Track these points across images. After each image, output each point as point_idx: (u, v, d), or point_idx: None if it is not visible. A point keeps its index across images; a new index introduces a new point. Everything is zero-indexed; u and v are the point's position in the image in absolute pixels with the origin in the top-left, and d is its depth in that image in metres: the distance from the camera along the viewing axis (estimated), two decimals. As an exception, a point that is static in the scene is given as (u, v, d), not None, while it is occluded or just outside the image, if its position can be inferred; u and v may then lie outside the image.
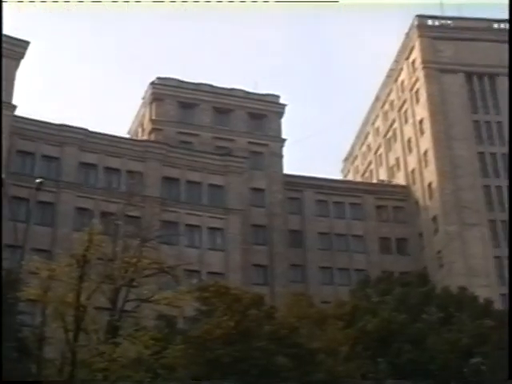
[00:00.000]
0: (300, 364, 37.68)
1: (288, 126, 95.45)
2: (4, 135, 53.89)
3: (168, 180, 65.44)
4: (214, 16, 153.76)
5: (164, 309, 32.84)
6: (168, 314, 36.76)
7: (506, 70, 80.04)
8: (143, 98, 78.89)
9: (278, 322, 40.00)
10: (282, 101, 79.27)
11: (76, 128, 63.47)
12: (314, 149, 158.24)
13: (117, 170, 63.79)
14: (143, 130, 78.20)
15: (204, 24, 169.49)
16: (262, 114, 77.71)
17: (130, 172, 63.06)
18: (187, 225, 63.78)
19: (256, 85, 79.82)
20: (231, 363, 36.36)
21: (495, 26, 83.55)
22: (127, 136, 78.41)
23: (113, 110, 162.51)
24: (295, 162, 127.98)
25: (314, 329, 41.83)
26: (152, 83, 76.43)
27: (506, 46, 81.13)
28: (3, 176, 45.50)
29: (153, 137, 73.42)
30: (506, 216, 73.59)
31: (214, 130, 75.19)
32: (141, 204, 53.74)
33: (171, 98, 75.55)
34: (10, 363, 28.43)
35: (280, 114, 78.64)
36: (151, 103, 76.29)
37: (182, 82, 76.83)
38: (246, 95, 78.35)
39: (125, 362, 28.66)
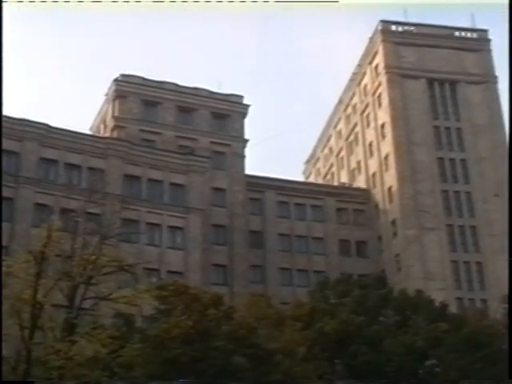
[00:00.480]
0: (257, 364, 37.80)
1: (251, 127, 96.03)
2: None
3: (129, 178, 65.07)
4: (179, 15, 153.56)
5: (122, 307, 32.67)
6: (126, 312, 36.58)
7: (467, 78, 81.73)
8: (106, 95, 78.30)
9: (236, 323, 40.03)
10: (245, 101, 79.47)
11: (37, 123, 62.74)
12: (276, 150, 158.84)
13: (78, 167, 63.23)
14: (105, 126, 77.60)
15: (170, 23, 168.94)
16: (225, 114, 77.72)
17: (91, 169, 62.59)
18: (148, 223, 63.51)
19: (220, 84, 79.93)
20: (189, 363, 36.34)
21: (456, 33, 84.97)
22: (89, 132, 77.71)
23: (77, 106, 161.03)
24: (257, 162, 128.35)
25: (272, 329, 41.98)
26: (115, 80, 75.86)
27: (467, 54, 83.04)
28: None
29: (115, 134, 72.91)
30: (463, 221, 74.95)
31: (176, 128, 74.96)
32: (101, 201, 53.18)
33: (134, 95, 75.14)
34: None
35: (243, 115, 78.73)
36: (114, 100, 75.75)
37: (146, 79, 76.44)
38: (210, 95, 78.28)
39: (81, 360, 28.45)
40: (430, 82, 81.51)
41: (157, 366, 36.33)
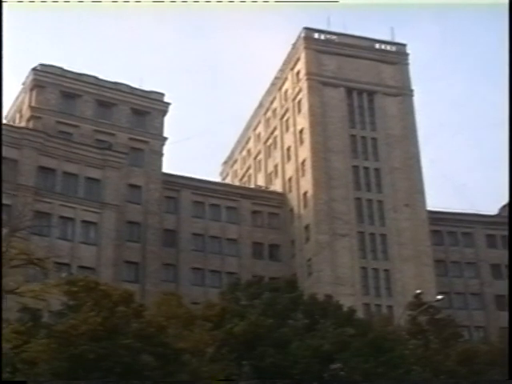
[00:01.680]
0: (165, 363, 37.70)
1: (171, 125, 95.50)
2: None
3: (44, 170, 63.89)
4: (104, 12, 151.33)
5: (29, 301, 32.15)
6: (33, 306, 35.94)
7: (384, 89, 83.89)
8: (23, 84, 76.50)
9: (146, 321, 39.76)
10: (166, 99, 79.16)
11: (-52, 108, 60.72)
12: (195, 150, 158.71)
13: (-10, 156, 61.51)
14: (21, 116, 75.81)
15: (94, 20, 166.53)
16: (145, 111, 77.23)
17: (4, 159, 60.95)
18: (61, 217, 62.50)
19: (141, 81, 79.36)
20: (95, 360, 35.88)
21: (377, 45, 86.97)
22: (4, 121, 75.58)
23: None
24: (175, 161, 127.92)
25: (181, 329, 41.92)
26: (34, 69, 74.23)
27: (385, 66, 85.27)
28: None
29: (31, 124, 71.35)
30: (374, 229, 76.72)
31: (95, 122, 73.99)
32: (13, 192, 52.30)
33: (53, 86, 73.73)
34: None
35: (163, 112, 78.39)
36: (32, 90, 74.09)
37: (65, 70, 75.15)
38: (131, 90, 77.65)
39: (-17, 354, 27.86)
40: (349, 91, 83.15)
41: (62, 362, 35.70)
